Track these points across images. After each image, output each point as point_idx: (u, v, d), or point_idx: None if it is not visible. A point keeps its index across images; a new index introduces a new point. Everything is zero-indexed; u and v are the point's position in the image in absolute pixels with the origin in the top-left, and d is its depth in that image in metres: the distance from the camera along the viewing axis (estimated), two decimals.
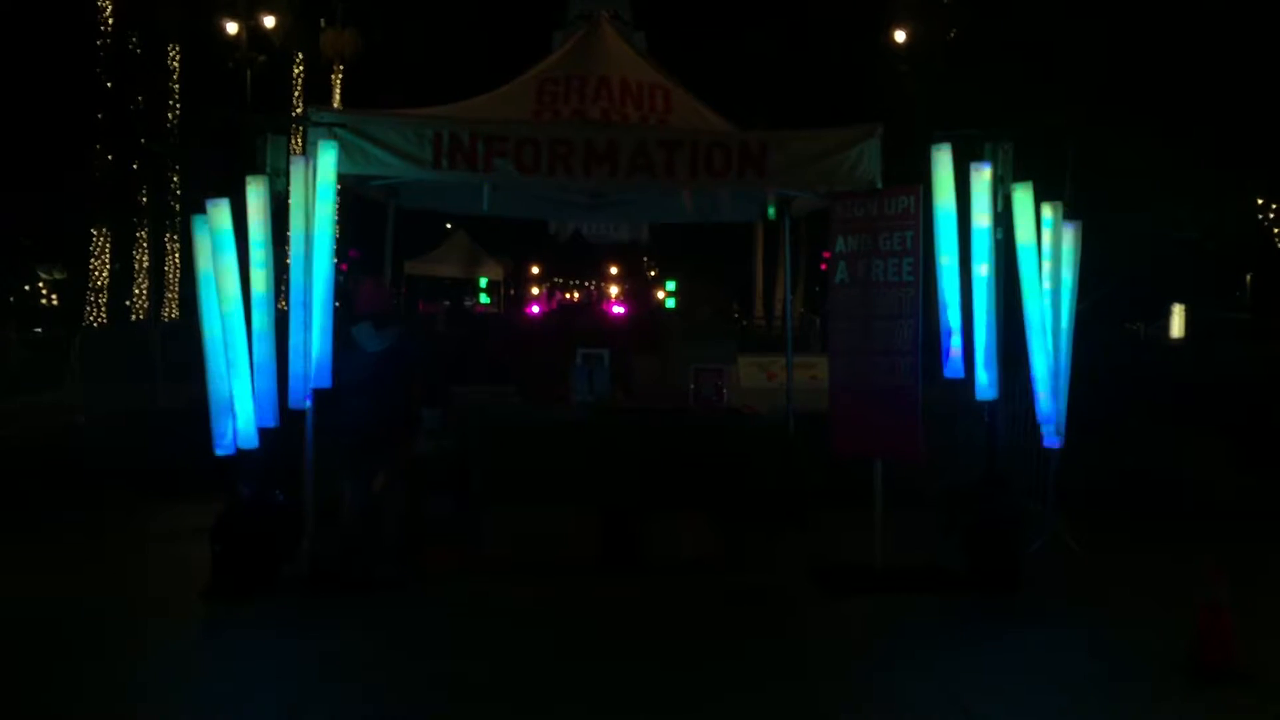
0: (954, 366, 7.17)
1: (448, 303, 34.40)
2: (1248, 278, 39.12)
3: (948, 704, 5.37)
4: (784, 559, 7.80)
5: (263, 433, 6.82)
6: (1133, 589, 7.33)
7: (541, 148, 7.31)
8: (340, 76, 35.06)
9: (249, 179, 6.88)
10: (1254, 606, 6.27)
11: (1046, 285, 7.47)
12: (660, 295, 40.57)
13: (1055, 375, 7.52)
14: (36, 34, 26.08)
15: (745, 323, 37.14)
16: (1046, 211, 7.47)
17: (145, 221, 29.06)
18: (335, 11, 33.78)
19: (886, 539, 7.37)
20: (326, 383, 6.99)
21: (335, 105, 28.49)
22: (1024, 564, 7.33)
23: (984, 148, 7.36)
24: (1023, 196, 7.36)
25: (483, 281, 35.19)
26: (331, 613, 6.58)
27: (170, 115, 29.14)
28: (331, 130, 7.13)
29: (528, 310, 34.74)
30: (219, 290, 6.80)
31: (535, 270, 54.42)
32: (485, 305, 35.26)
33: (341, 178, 7.21)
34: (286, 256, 7.16)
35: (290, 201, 6.91)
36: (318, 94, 33.63)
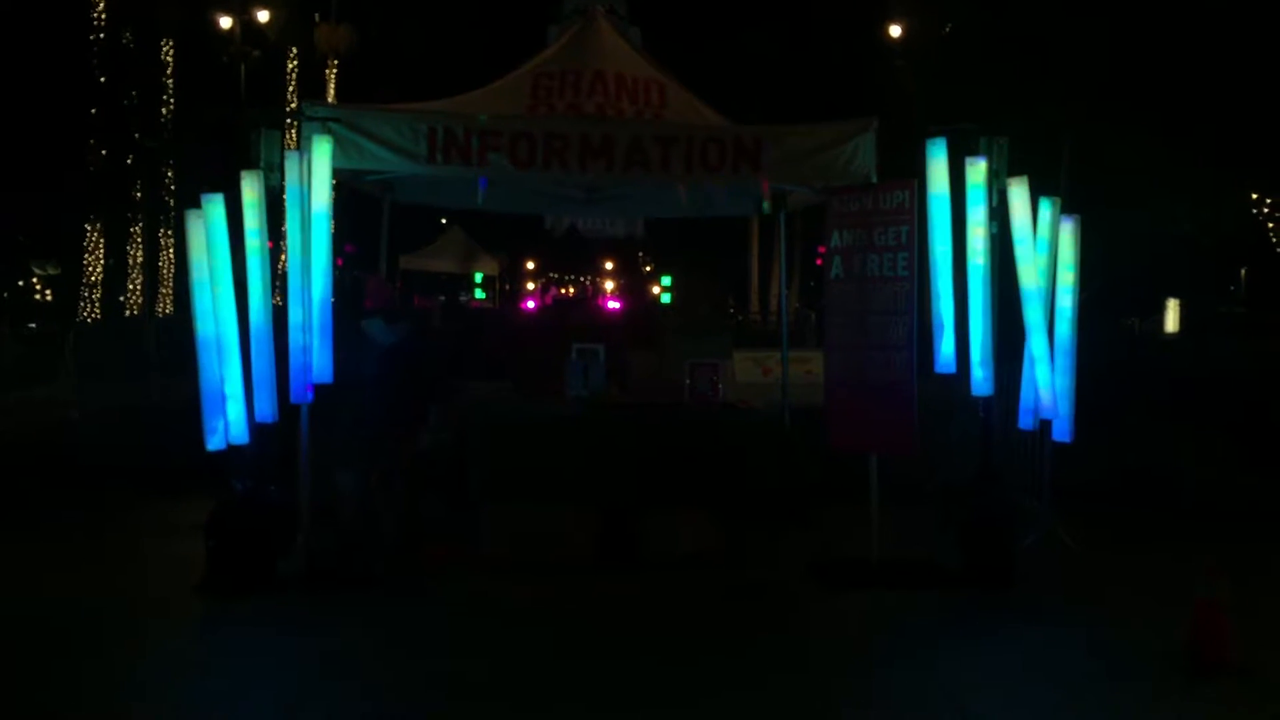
0: (945, 362, 7.16)
1: (443, 298, 34.32)
2: (1242, 273, 39.16)
3: (944, 700, 5.37)
4: (781, 554, 7.81)
5: (259, 428, 6.81)
6: (1129, 585, 7.33)
7: (536, 142, 7.29)
8: (335, 71, 34.98)
9: (243, 174, 6.86)
10: (1251, 603, 6.27)
11: (1043, 281, 7.48)
12: (656, 290, 40.54)
13: (1055, 369, 7.52)
14: (30, 30, 25.98)
15: (741, 318, 37.10)
16: (1044, 206, 7.48)
17: (139, 217, 28.99)
18: (330, 6, 33.70)
19: (883, 534, 7.37)
20: (327, 378, 6.98)
21: (330, 100, 28.45)
22: (1019, 560, 7.34)
23: (979, 142, 7.35)
24: (1018, 191, 7.36)
25: (478, 277, 35.12)
26: (328, 610, 6.56)
27: (164, 110, 29.05)
28: (326, 125, 7.10)
29: (523, 305, 34.71)
30: (212, 285, 6.78)
31: (531, 266, 54.36)
32: (481, 301, 35.20)
33: (336, 172, 7.19)
34: (283, 252, 7.15)
35: (286, 196, 6.90)
36: (312, 89, 33.54)
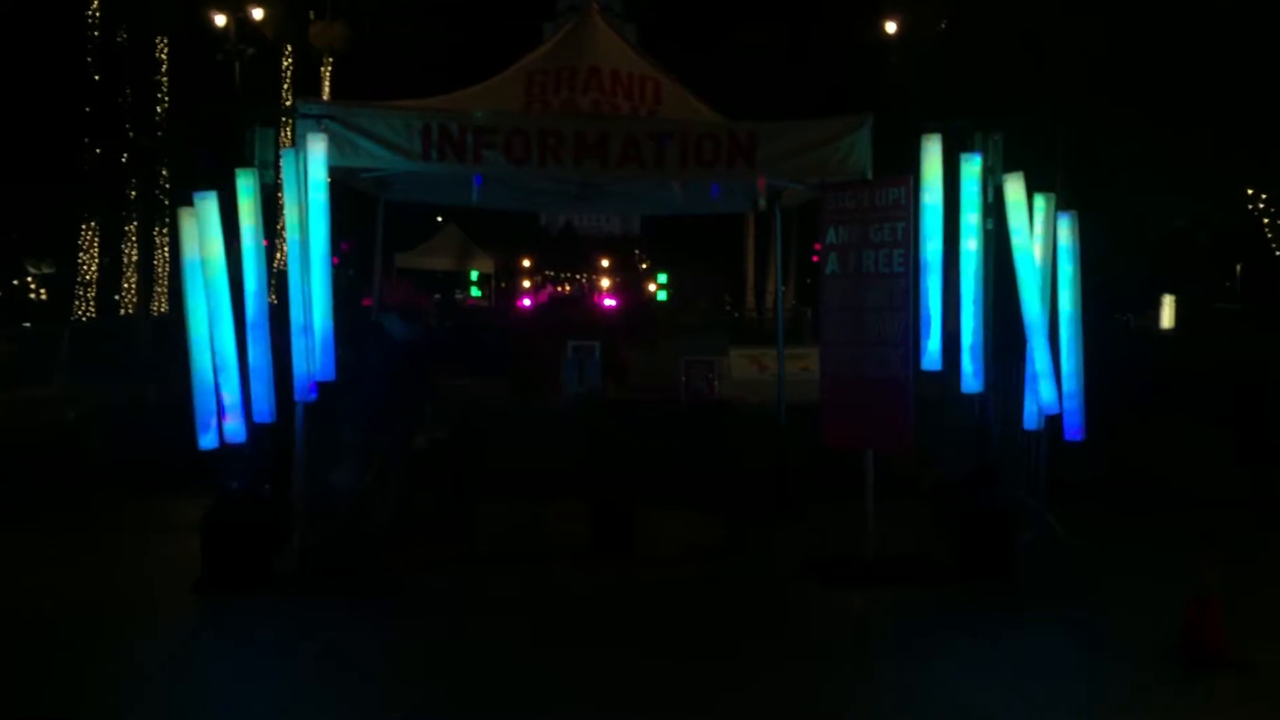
0: (931, 359, 7.16)
1: (438, 295, 34.34)
2: (1238, 269, 39.23)
3: (940, 694, 5.37)
4: (777, 551, 7.81)
5: (256, 427, 6.80)
6: (1125, 580, 7.34)
7: (531, 139, 7.29)
8: (330, 69, 34.96)
9: (238, 172, 6.85)
10: (1247, 596, 6.30)
11: (1044, 278, 7.48)
12: (652, 288, 40.57)
13: (1060, 368, 7.52)
14: (25, 28, 25.92)
15: (737, 315, 37.12)
16: (1039, 201, 7.48)
17: (134, 215, 28.94)
18: (325, 3, 33.66)
19: (879, 530, 7.37)
20: (331, 376, 6.98)
21: (325, 97, 28.42)
22: (1016, 555, 7.34)
23: (974, 138, 7.35)
24: (1014, 187, 7.36)
25: (474, 274, 35.14)
26: (321, 607, 6.56)
27: (159, 109, 29.00)
28: (320, 122, 7.09)
29: (519, 303, 34.73)
30: (206, 284, 6.77)
31: (527, 263, 54.38)
32: (476, 298, 35.22)
33: (331, 170, 7.19)
34: (278, 250, 7.15)
35: (283, 194, 6.89)
36: (307, 86, 33.53)
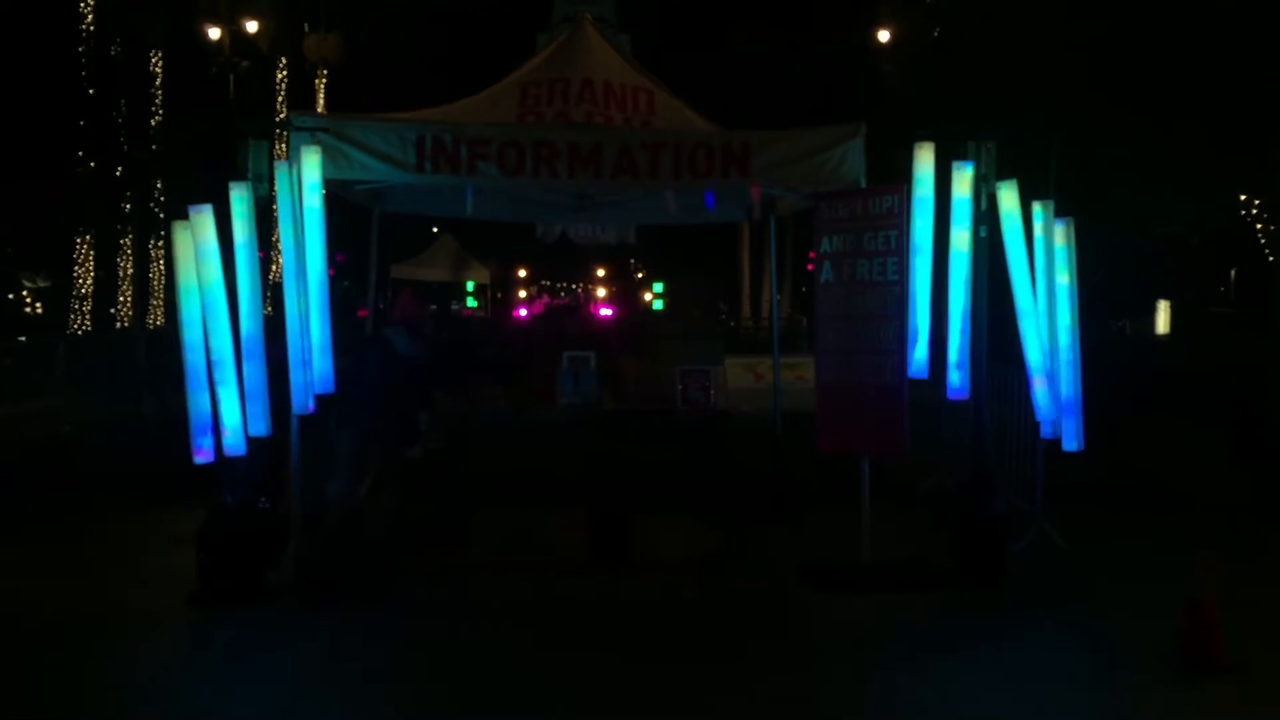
0: (918, 367, 7.17)
1: (434, 306, 34.35)
2: (1232, 274, 39.30)
3: (937, 702, 5.38)
4: (773, 557, 7.82)
5: (251, 440, 6.80)
6: (1122, 585, 7.35)
7: (525, 150, 7.30)
8: (324, 81, 34.98)
9: (232, 185, 6.86)
10: (1244, 600, 6.31)
11: (1040, 285, 7.48)
12: (648, 297, 40.57)
13: (1059, 376, 7.51)
14: (18, 40, 25.94)
15: (733, 323, 37.13)
16: (1036, 208, 7.48)
17: (129, 228, 28.92)
18: (319, 16, 33.70)
19: (875, 537, 7.37)
20: (329, 388, 6.99)
21: (320, 110, 28.44)
22: (1011, 561, 7.35)
23: (967, 146, 7.37)
24: (1008, 195, 7.37)
25: (470, 285, 35.14)
26: (317, 617, 6.56)
27: (153, 122, 29.01)
28: (314, 135, 7.11)
29: (515, 313, 34.72)
30: (202, 297, 6.77)
31: (523, 273, 54.30)
32: (472, 309, 35.22)
33: (325, 182, 7.20)
34: (273, 262, 7.16)
35: (277, 207, 6.89)
36: (302, 98, 33.52)
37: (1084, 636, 6.30)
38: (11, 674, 5.66)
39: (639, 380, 10.13)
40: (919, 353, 7.15)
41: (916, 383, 7.24)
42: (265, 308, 7.11)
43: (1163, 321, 34.92)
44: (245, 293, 6.77)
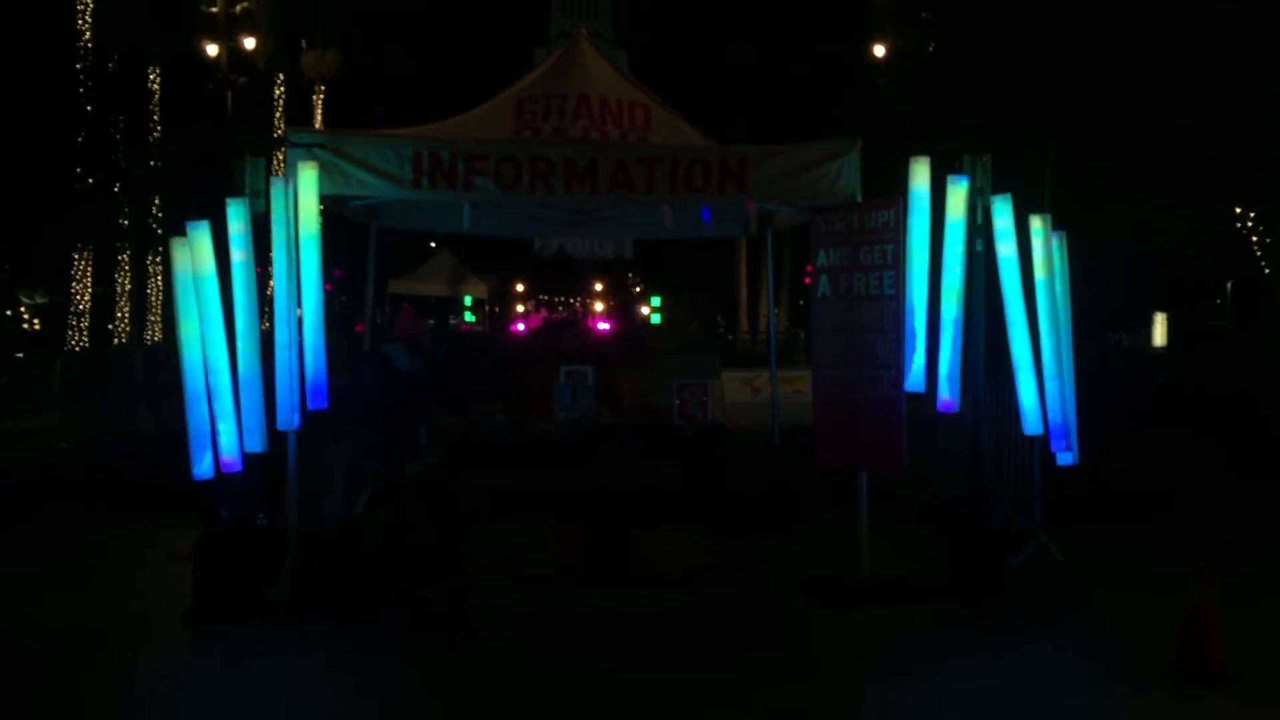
0: (915, 380, 7.18)
1: (432, 321, 34.37)
2: (1228, 286, 39.39)
3: (935, 713, 5.38)
4: (771, 571, 7.81)
5: (247, 456, 6.80)
6: (1120, 596, 7.34)
7: (522, 166, 7.31)
8: (322, 97, 35.05)
9: (229, 201, 6.87)
10: (1242, 611, 6.30)
11: (1042, 300, 7.49)
12: (645, 311, 40.61)
13: (1059, 390, 7.51)
14: (15, 56, 26.00)
15: (730, 337, 37.15)
16: (1035, 223, 7.49)
17: (127, 244, 28.94)
18: (316, 32, 33.78)
19: (873, 550, 7.37)
20: (323, 404, 7.00)
21: (317, 126, 28.49)
22: (1009, 575, 7.35)
23: (962, 160, 7.40)
24: (1002, 209, 7.39)
25: (467, 300, 35.15)
26: (314, 633, 6.55)
27: (151, 138, 29.05)
28: (311, 151, 7.12)
29: (513, 328, 34.74)
30: (199, 313, 6.77)
31: (520, 288, 54.40)
32: (470, 324, 35.22)
33: (322, 198, 7.21)
34: (271, 277, 7.16)
35: (271, 223, 6.90)
36: (299, 114, 33.58)
37: (1082, 648, 6.29)
38: (9, 689, 5.65)
39: (636, 394, 10.14)
40: (916, 366, 7.16)
41: (914, 396, 7.25)
42: (263, 323, 7.12)
43: (1159, 334, 35.00)
44: (242, 309, 6.78)
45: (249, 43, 28.92)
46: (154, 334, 30.13)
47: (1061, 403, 7.55)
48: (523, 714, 5.40)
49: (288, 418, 6.85)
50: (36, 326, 37.48)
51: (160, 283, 30.06)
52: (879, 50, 27.52)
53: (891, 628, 6.74)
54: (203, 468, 6.79)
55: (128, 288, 29.24)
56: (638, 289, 61.03)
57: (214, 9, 27.35)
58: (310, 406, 6.97)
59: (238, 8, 27.83)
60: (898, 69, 26.40)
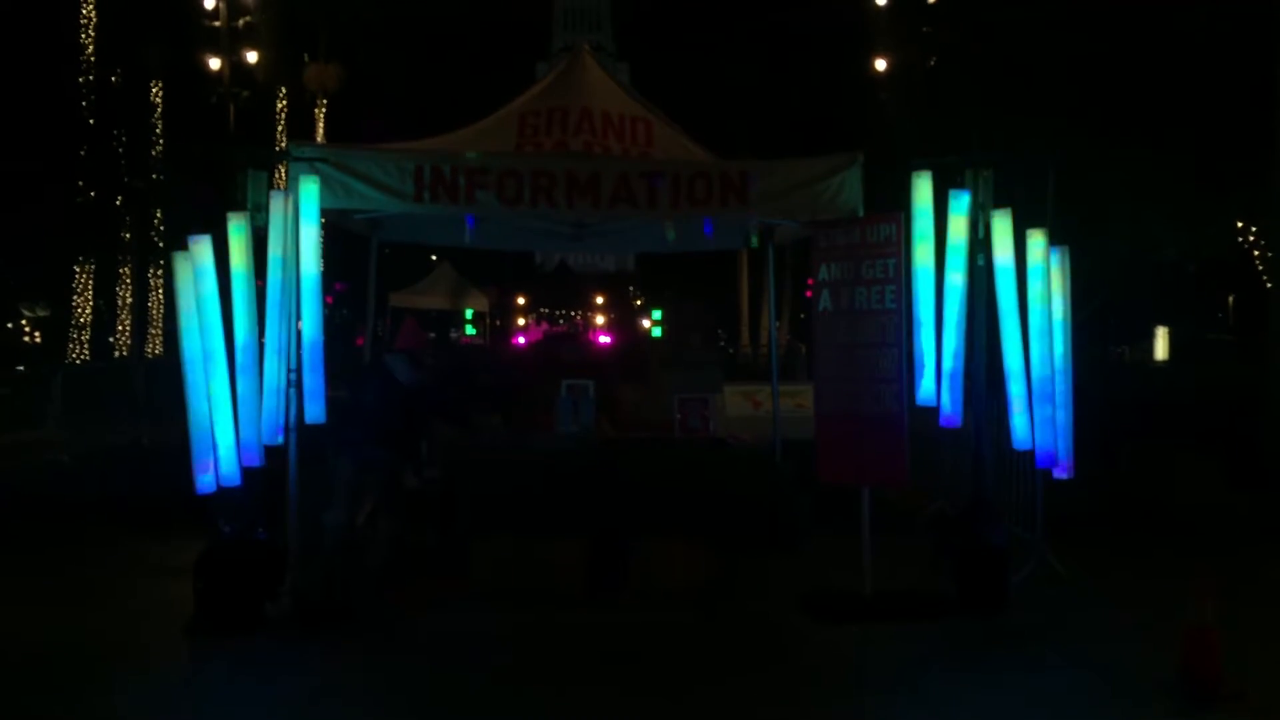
0: (925, 395, 7.17)
1: (433, 334, 34.37)
2: (1230, 300, 39.41)
3: None
4: (773, 586, 7.78)
5: (247, 470, 6.78)
6: (1123, 613, 7.31)
7: (524, 180, 7.31)
8: (324, 110, 35.16)
9: (230, 215, 6.86)
10: (1244, 626, 6.28)
11: (1039, 314, 7.47)
12: (646, 324, 40.61)
13: (1056, 405, 7.48)
14: (19, 71, 26.08)
15: (731, 351, 37.17)
16: (1037, 237, 7.48)
17: (128, 258, 29.00)
18: (319, 46, 33.92)
19: (876, 565, 7.34)
20: (319, 419, 6.97)
21: (319, 139, 28.59)
22: (1013, 590, 7.32)
23: (963, 175, 7.39)
24: (1002, 224, 7.38)
25: (468, 313, 35.18)
26: (314, 648, 6.52)
27: (153, 151, 29.13)
28: (312, 165, 7.12)
29: (514, 341, 34.76)
30: (200, 327, 6.76)
31: (521, 301, 54.46)
32: (471, 337, 35.24)
33: (324, 212, 7.21)
34: None
35: (269, 236, 6.88)
36: (301, 128, 33.71)
37: (1084, 664, 6.26)
38: (6, 703, 5.62)
39: (637, 408, 10.12)
40: (926, 380, 7.14)
41: (918, 411, 7.23)
42: (263, 338, 7.10)
43: (1161, 347, 35.02)
44: (242, 323, 6.77)
45: (251, 57, 29.02)
46: (155, 347, 30.17)
47: (1052, 420, 7.52)
48: None
49: (272, 432, 6.82)
50: (37, 339, 37.53)
51: (161, 296, 30.10)
52: (880, 65, 27.58)
53: (894, 644, 6.70)
54: (205, 481, 6.77)
55: (129, 301, 29.30)
56: (639, 302, 61.07)
57: (217, 23, 27.46)
58: (308, 420, 6.95)
59: (240, 22, 27.93)
60: (899, 83, 26.45)
